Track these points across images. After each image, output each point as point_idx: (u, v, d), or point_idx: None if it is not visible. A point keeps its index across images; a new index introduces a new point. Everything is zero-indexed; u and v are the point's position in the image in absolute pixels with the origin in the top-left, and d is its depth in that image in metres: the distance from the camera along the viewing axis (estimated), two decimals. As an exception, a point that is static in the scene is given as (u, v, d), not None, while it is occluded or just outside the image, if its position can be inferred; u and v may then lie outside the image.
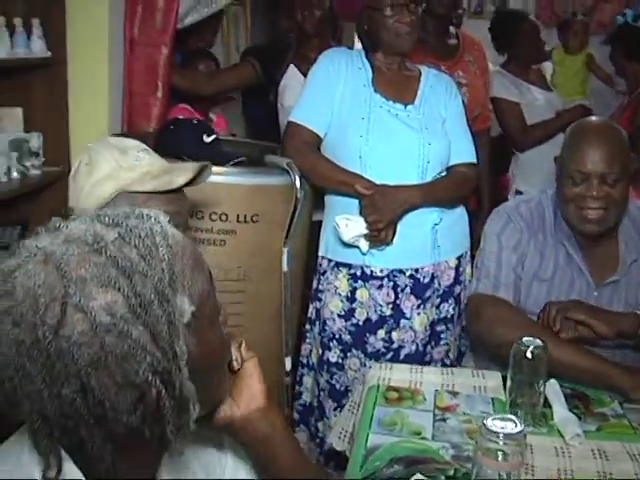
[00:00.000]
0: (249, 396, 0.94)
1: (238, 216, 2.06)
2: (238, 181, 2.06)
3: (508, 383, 1.48)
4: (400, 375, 1.67)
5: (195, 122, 2.21)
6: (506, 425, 1.02)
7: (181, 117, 2.35)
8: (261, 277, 2.12)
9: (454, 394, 1.59)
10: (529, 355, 1.45)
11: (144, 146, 1.35)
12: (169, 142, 2.11)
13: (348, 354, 2.11)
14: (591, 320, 1.58)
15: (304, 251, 2.28)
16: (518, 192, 3.08)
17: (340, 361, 2.12)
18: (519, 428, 1.03)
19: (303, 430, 2.28)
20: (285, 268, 2.14)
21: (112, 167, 1.30)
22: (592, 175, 1.64)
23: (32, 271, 0.74)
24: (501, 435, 1.00)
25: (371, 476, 1.24)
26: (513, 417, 1.06)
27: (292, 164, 2.07)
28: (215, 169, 1.88)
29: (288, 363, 2.23)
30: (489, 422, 1.03)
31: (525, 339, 1.47)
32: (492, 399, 1.57)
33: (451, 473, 1.23)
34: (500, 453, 1.00)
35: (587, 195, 1.65)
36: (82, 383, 0.73)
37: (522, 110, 3.12)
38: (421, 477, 1.20)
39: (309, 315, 2.22)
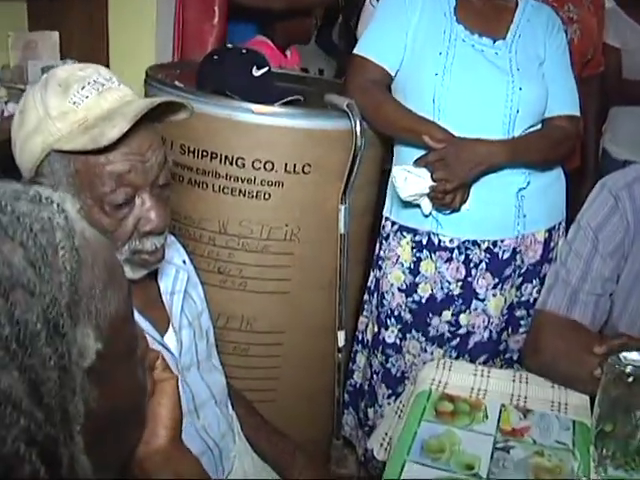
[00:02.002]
0: (149, 431, 0.72)
1: (286, 165, 1.83)
2: (288, 123, 1.82)
3: (596, 408, 1.15)
4: (460, 378, 1.38)
5: (243, 52, 1.94)
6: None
7: (229, 46, 2.07)
8: (313, 238, 1.91)
9: (525, 412, 1.27)
10: (628, 375, 1.11)
11: (102, 76, 1.09)
12: (212, 75, 1.91)
13: (407, 335, 1.87)
14: None
15: (369, 210, 2.05)
16: (605, 151, 2.68)
17: (397, 342, 1.89)
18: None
19: (352, 414, 2.09)
20: (342, 229, 1.91)
21: (39, 116, 1.06)
22: None
23: None
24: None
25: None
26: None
27: (353, 105, 1.81)
28: (262, 108, 1.78)
29: (341, 338, 2.01)
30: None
31: (623, 354, 1.12)
32: (573, 423, 1.25)
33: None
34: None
35: None
36: None
37: (621, 58, 2.68)
38: None
39: (368, 284, 2.00)
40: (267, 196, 1.85)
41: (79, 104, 1.05)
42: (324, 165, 1.86)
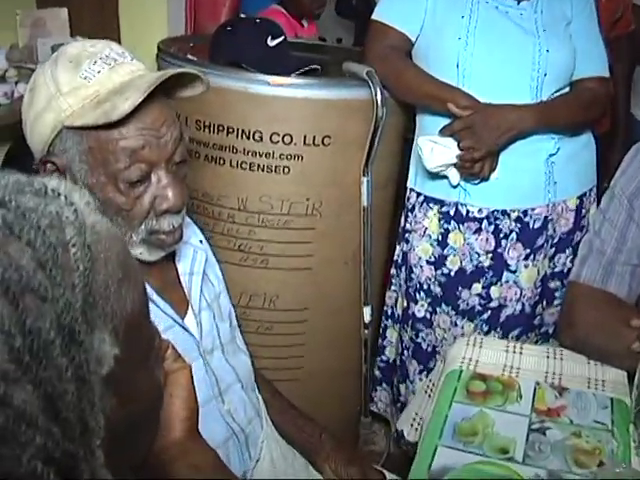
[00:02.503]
0: (164, 424, 0.70)
1: (305, 137, 1.79)
2: (306, 94, 1.78)
3: (636, 381, 1.11)
4: (491, 355, 1.33)
5: (257, 21, 1.90)
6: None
7: (243, 16, 2.01)
8: (335, 212, 1.88)
9: (560, 390, 1.22)
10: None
11: (114, 51, 1.07)
12: (226, 47, 1.87)
13: (437, 309, 1.84)
14: None
15: (392, 181, 2.01)
16: (630, 115, 2.57)
17: (428, 316, 1.86)
18: None
19: (385, 390, 2.07)
20: (365, 202, 1.88)
21: (50, 93, 1.04)
22: None
23: None
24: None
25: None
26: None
27: (373, 73, 1.76)
28: (279, 79, 1.76)
29: (367, 313, 1.98)
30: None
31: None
32: (611, 401, 1.20)
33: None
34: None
35: None
36: None
37: None
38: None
39: (395, 258, 1.97)
40: (286, 170, 1.81)
41: (91, 79, 1.03)
42: (344, 136, 1.82)
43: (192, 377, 0.74)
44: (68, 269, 0.50)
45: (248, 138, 1.78)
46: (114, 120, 0.99)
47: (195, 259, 1.23)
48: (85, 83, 1.03)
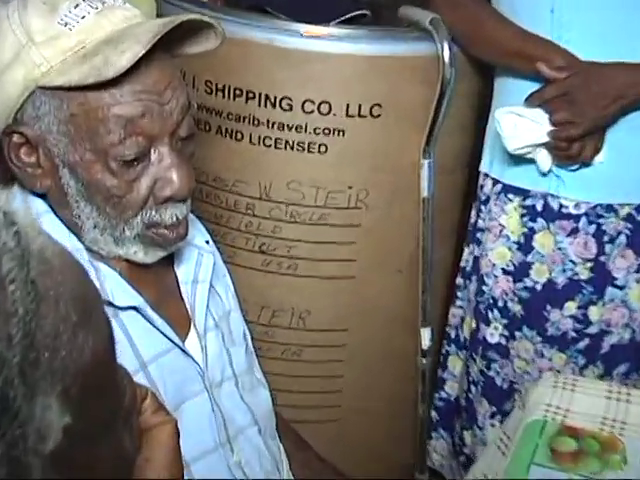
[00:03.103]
0: None
1: (348, 107, 1.81)
2: (350, 49, 1.81)
3: None
4: (587, 402, 1.34)
5: None
6: None
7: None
8: (386, 204, 1.91)
9: (681, 455, 1.19)
10: None
11: None
12: None
13: (516, 334, 1.83)
14: None
15: (461, 164, 2.03)
16: None
17: (503, 342, 1.85)
18: None
19: (444, 437, 2.07)
20: (425, 191, 1.90)
21: (18, 42, 1.06)
22: None
23: None
24: None
25: None
26: None
27: (439, 21, 1.78)
28: (314, 29, 1.79)
29: (426, 337, 2.01)
30: None
31: None
32: None
33: None
34: None
35: None
36: None
37: None
38: None
39: (462, 264, 1.97)
40: (323, 149, 1.83)
41: (73, 26, 1.05)
42: (399, 105, 1.84)
43: (177, 434, 0.73)
44: (3, 314, 0.49)
45: (274, 106, 1.79)
46: (109, 78, 1.00)
47: (200, 264, 1.24)
48: (65, 31, 1.04)
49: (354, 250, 1.90)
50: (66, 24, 1.04)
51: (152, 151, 1.07)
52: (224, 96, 1.82)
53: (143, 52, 1.00)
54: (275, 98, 1.78)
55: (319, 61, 1.78)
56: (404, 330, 2.00)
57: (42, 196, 1.11)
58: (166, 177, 1.08)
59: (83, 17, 1.05)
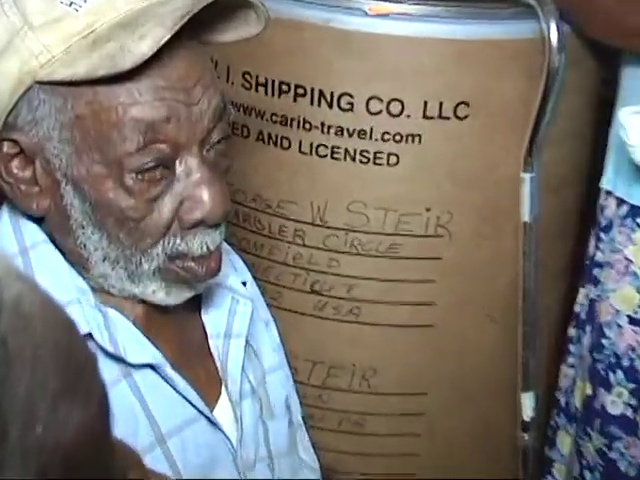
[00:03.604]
0: None
1: (426, 106, 1.78)
2: (430, 32, 1.79)
3: None
4: None
5: None
6: None
7: None
8: (475, 231, 1.89)
9: None
10: None
11: None
12: None
13: None
14: None
15: (573, 180, 2.00)
16: None
17: (629, 414, 1.80)
18: None
19: None
20: (526, 215, 1.87)
21: (11, 25, 1.06)
22: None
23: None
24: None
25: None
26: None
27: None
28: (384, 6, 1.77)
29: (528, 405, 1.97)
30: None
31: None
32: None
33: None
34: None
35: None
36: None
37: None
38: None
39: (576, 310, 1.94)
40: (393, 160, 1.81)
41: (79, 5, 1.06)
42: (493, 103, 1.82)
43: None
44: None
45: (330, 105, 1.77)
46: (125, 69, 1.01)
47: (234, 313, 1.25)
48: (70, 12, 1.05)
49: (433, 290, 1.88)
50: (71, 3, 1.05)
51: (177, 163, 1.06)
52: (267, 92, 1.81)
53: (168, 37, 0.99)
54: (332, 95, 1.77)
55: (389, 47, 1.77)
56: (499, 396, 1.98)
57: (38, 220, 1.10)
58: (195, 196, 1.07)
59: None
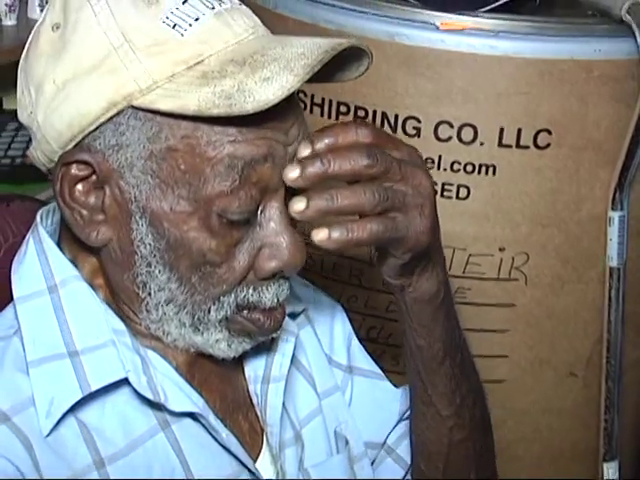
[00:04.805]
0: None
1: (502, 133, 1.74)
2: (507, 49, 1.72)
3: None
4: None
5: None
6: None
7: None
8: (554, 275, 1.83)
9: None
10: None
11: None
12: None
13: None
14: None
15: None
16: None
17: None
18: None
19: None
20: (614, 259, 1.82)
21: (108, 42, 1.03)
22: None
23: None
24: None
25: None
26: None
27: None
28: (457, 21, 1.72)
29: (612, 474, 1.92)
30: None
31: None
32: None
33: None
34: None
35: None
36: None
37: None
38: None
39: None
40: (464, 193, 1.78)
41: (184, 29, 1.04)
42: (578, 132, 1.76)
43: None
44: None
45: (394, 129, 1.74)
46: (244, 112, 0.99)
47: (274, 352, 1.23)
48: (175, 35, 1.03)
49: (506, 341, 1.84)
50: (175, 25, 1.03)
51: (260, 208, 1.05)
52: (322, 113, 1.79)
53: (297, 86, 0.97)
54: (396, 118, 1.74)
55: (461, 66, 1.72)
56: (577, 464, 1.94)
57: (93, 251, 1.09)
58: (275, 244, 1.06)
59: (197, 19, 1.04)
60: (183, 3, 1.04)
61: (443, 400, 1.26)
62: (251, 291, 1.08)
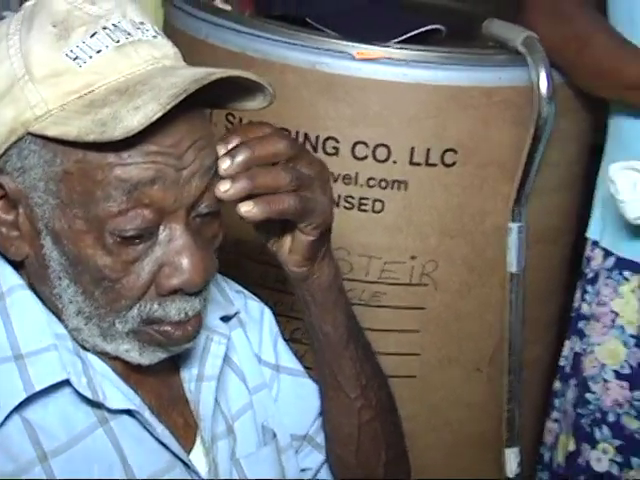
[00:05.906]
0: None
1: (413, 152, 1.81)
2: (418, 77, 1.80)
3: None
4: None
5: None
6: None
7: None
8: (460, 280, 1.91)
9: None
10: None
11: (128, 18, 1.11)
12: None
13: (633, 460, 1.80)
14: None
15: (562, 231, 2.04)
16: None
17: (615, 473, 1.82)
18: None
19: None
20: (513, 266, 1.90)
21: (12, 72, 1.07)
22: None
23: None
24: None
25: None
26: None
27: (535, 41, 1.81)
28: (371, 51, 1.78)
29: (512, 460, 1.99)
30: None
31: None
32: None
33: None
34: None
35: None
36: None
37: None
38: None
39: (561, 364, 1.96)
40: (378, 206, 1.83)
41: (84, 61, 1.06)
42: (481, 151, 1.83)
43: None
44: None
45: (315, 149, 1.78)
46: (114, 139, 1.00)
47: (207, 352, 1.26)
48: (73, 67, 1.05)
49: (418, 342, 1.88)
50: (76, 58, 1.05)
51: (161, 228, 1.06)
52: None
53: (159, 115, 0.99)
54: (317, 138, 1.78)
55: (376, 92, 1.77)
56: (483, 451, 1.99)
57: (16, 265, 1.12)
58: (174, 263, 1.07)
59: (99, 51, 1.05)
60: (91, 37, 1.06)
61: (350, 382, 1.30)
62: (155, 306, 1.09)
